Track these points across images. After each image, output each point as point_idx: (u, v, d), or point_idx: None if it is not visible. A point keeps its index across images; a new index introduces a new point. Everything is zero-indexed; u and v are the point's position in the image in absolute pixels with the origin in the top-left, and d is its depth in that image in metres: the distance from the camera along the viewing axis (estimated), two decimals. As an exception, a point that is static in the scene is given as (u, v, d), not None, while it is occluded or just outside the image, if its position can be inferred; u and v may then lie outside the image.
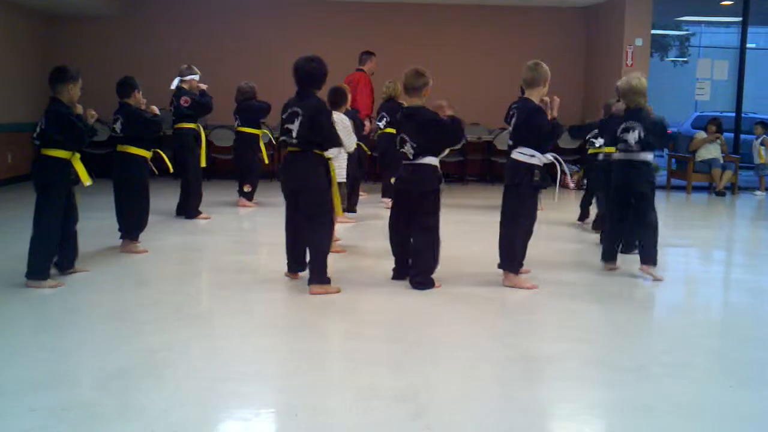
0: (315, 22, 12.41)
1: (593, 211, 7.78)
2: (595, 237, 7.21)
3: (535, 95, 5.24)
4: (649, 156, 5.65)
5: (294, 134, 4.96)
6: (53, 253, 5.15)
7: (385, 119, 8.78)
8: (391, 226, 5.38)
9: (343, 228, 7.10)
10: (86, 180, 5.19)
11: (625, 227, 5.76)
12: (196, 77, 8.09)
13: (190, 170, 7.98)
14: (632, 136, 5.55)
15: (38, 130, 5.07)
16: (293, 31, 11.99)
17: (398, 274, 5.39)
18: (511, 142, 5.31)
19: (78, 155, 5.18)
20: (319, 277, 5.01)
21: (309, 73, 5.02)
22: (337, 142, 5.24)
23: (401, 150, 5.21)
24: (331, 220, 5.23)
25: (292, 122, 4.96)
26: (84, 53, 12.16)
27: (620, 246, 5.95)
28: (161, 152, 6.63)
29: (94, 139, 5.36)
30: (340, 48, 12.32)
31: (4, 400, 3.23)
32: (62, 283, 5.12)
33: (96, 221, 7.28)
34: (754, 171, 12.17)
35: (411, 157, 5.16)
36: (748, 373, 3.79)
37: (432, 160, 5.18)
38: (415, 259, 5.24)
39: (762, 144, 11.89)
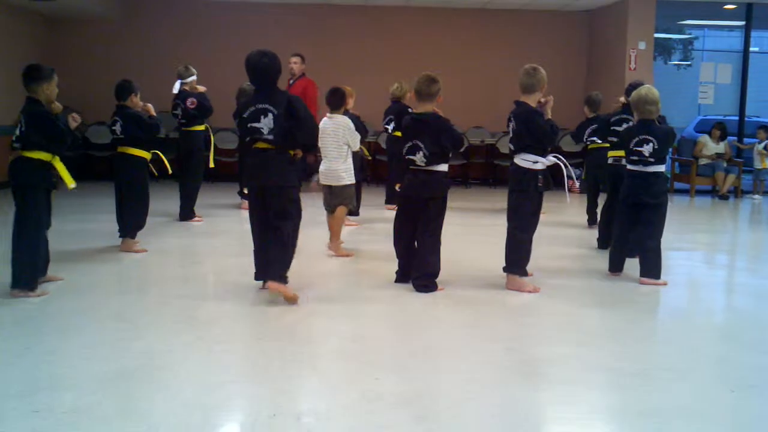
0: (316, 25, 12.43)
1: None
2: (596, 241, 7.17)
3: (532, 100, 5.25)
4: (662, 167, 5.62)
5: (266, 131, 4.70)
6: (38, 261, 4.93)
7: (393, 123, 8.76)
8: (396, 230, 5.38)
9: (346, 231, 7.10)
10: (70, 182, 4.98)
11: (633, 236, 5.71)
12: (195, 78, 8.11)
13: (192, 173, 8.00)
14: (647, 149, 5.53)
15: (18, 132, 4.84)
16: (293, 34, 12.00)
17: (402, 277, 5.39)
18: (512, 148, 5.32)
19: (58, 157, 4.98)
20: (277, 276, 4.73)
21: (264, 69, 4.74)
22: (316, 137, 5.04)
23: (409, 157, 5.19)
24: (300, 220, 4.92)
25: (259, 120, 4.70)
26: (85, 56, 12.24)
27: (628, 252, 5.89)
28: (161, 154, 6.64)
29: (74, 143, 5.13)
30: (342, 51, 12.38)
31: (6, 401, 3.23)
32: (47, 291, 4.97)
33: (97, 223, 7.31)
34: (753, 175, 12.14)
35: (423, 165, 5.15)
36: (751, 378, 3.78)
37: (444, 167, 5.19)
38: (419, 263, 5.23)
39: (765, 149, 11.87)
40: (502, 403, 3.38)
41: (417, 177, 5.21)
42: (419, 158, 5.13)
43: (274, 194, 4.78)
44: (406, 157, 5.21)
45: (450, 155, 5.31)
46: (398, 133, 8.12)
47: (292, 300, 4.75)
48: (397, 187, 5.47)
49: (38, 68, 4.96)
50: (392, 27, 12.63)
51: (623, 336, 4.49)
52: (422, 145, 5.10)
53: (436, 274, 5.24)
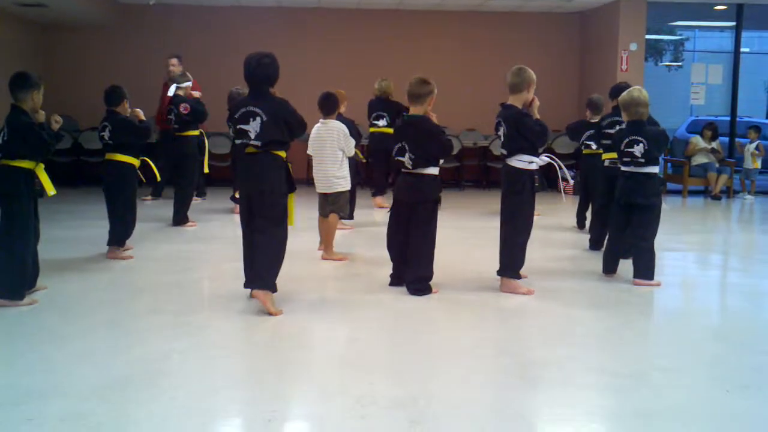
0: (309, 29, 12.42)
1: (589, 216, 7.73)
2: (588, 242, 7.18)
3: (519, 100, 5.26)
4: (655, 169, 5.62)
5: (253, 135, 4.64)
6: (27, 270, 4.84)
7: (384, 118, 8.95)
8: (389, 233, 5.39)
9: (340, 234, 7.10)
10: (50, 190, 4.91)
11: (626, 236, 5.73)
12: (191, 84, 8.12)
13: (186, 178, 8.00)
14: (638, 149, 5.54)
15: (0, 141, 4.76)
16: (288, 39, 12.00)
17: (395, 280, 5.39)
18: (505, 152, 5.31)
19: (42, 165, 4.91)
20: (266, 282, 4.64)
21: (262, 70, 4.69)
22: (305, 125, 4.92)
23: (398, 158, 5.21)
24: (286, 229, 4.79)
25: (248, 122, 4.63)
26: (78, 62, 12.20)
27: (622, 254, 5.91)
28: (149, 160, 6.60)
29: (57, 146, 5.03)
30: (335, 54, 12.38)
31: (1, 409, 3.22)
32: (36, 300, 4.91)
33: (89, 230, 7.28)
34: (742, 174, 12.15)
35: (410, 167, 5.16)
36: (746, 378, 3.79)
37: (433, 170, 5.19)
38: (412, 266, 5.24)
39: (757, 149, 11.92)
40: (497, 406, 3.39)
41: (405, 180, 5.23)
42: (406, 160, 5.16)
43: (259, 200, 4.71)
44: (396, 158, 5.22)
45: (440, 160, 5.29)
46: (385, 130, 8.53)
47: (273, 314, 4.65)
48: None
49: (27, 76, 4.89)
50: (384, 30, 12.63)
51: (618, 337, 4.50)
52: (407, 148, 5.12)
53: (430, 278, 5.24)
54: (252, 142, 4.68)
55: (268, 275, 4.69)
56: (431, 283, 5.25)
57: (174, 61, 9.52)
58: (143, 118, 6.42)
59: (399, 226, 5.31)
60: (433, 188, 5.21)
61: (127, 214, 6.31)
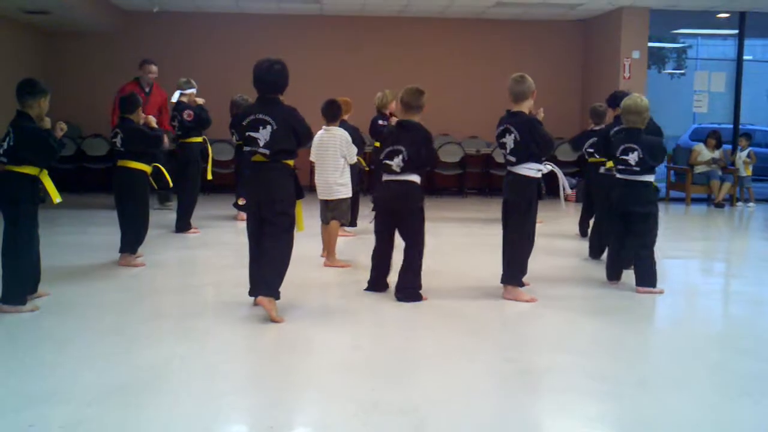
0: (313, 37, 12.47)
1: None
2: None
3: (525, 108, 5.27)
4: (650, 177, 5.61)
5: (262, 143, 4.66)
6: (30, 275, 4.89)
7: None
8: (378, 241, 5.42)
9: (342, 241, 7.10)
10: (56, 197, 4.92)
11: (626, 244, 5.72)
12: (195, 91, 8.13)
13: (189, 185, 8.00)
14: (633, 158, 5.53)
15: (5, 146, 4.76)
16: (290, 46, 12.02)
17: (373, 285, 5.46)
18: (513, 159, 5.27)
19: (46, 171, 4.93)
20: (272, 289, 4.64)
21: (274, 78, 4.71)
22: (312, 135, 4.99)
23: (386, 161, 5.17)
24: (293, 237, 4.82)
25: (257, 131, 4.64)
26: (82, 68, 12.27)
27: (624, 262, 5.89)
28: (161, 167, 6.61)
29: (61, 153, 5.07)
30: (337, 62, 12.42)
31: (2, 416, 3.22)
32: (38, 306, 4.91)
33: (91, 236, 7.30)
34: (739, 183, 12.10)
35: (398, 170, 5.15)
36: (748, 386, 3.78)
37: (416, 177, 5.21)
38: (405, 273, 5.26)
39: (748, 156, 11.92)
40: (499, 412, 3.38)
41: (390, 188, 5.23)
42: (396, 163, 5.13)
43: (269, 208, 4.72)
44: (384, 161, 5.20)
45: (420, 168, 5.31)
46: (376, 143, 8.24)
47: (276, 321, 4.65)
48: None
49: (35, 83, 4.91)
50: (387, 37, 12.67)
51: (620, 345, 4.49)
52: (403, 150, 5.11)
53: (420, 284, 5.27)
54: (260, 150, 4.69)
55: (274, 282, 4.70)
56: (422, 290, 5.27)
57: (154, 68, 9.59)
58: (155, 125, 6.45)
59: (384, 234, 5.36)
60: (419, 194, 5.26)
61: (138, 221, 6.30)
